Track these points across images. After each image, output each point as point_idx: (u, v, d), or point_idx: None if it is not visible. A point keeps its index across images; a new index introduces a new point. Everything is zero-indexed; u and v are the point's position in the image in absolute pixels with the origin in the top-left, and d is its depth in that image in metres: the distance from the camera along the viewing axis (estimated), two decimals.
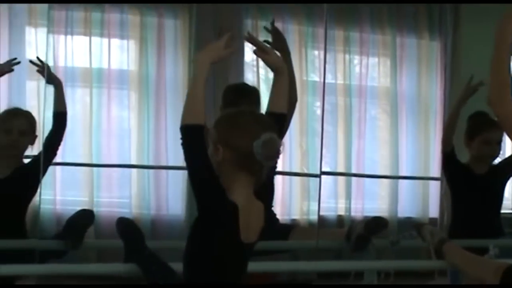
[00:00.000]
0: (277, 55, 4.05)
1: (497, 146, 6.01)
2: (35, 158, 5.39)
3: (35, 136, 5.37)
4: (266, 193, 4.00)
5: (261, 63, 7.53)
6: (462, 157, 6.17)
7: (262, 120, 3.74)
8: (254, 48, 3.99)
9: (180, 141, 3.51)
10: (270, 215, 4.30)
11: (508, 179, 6.18)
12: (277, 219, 6.16)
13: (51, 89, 5.84)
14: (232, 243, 3.58)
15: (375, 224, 5.63)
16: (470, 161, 6.05)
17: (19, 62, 5.61)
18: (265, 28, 5.90)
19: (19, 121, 5.24)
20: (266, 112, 3.96)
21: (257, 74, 7.64)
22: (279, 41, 5.83)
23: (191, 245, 3.67)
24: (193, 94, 3.57)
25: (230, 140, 3.58)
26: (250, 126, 3.61)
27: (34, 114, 5.72)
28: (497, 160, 6.32)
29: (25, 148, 5.27)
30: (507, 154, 6.50)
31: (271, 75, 7.49)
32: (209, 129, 3.61)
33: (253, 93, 5.93)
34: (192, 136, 3.49)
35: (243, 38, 4.18)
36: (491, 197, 6.12)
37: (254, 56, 7.39)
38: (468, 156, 6.08)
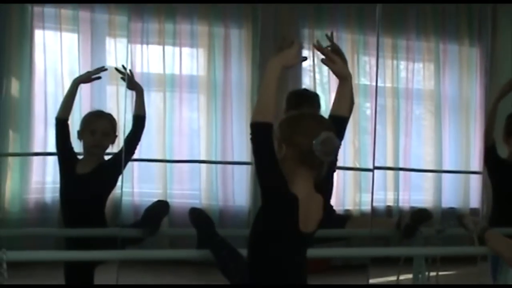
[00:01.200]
0: (342, 64, 4.00)
1: None
2: (115, 156, 5.37)
3: (116, 136, 5.35)
4: (326, 187, 3.96)
5: (316, 68, 7.59)
6: (501, 152, 6.07)
7: (321, 120, 3.74)
8: (322, 56, 3.95)
9: (250, 136, 3.52)
10: (328, 206, 4.25)
11: None
12: (334, 210, 6.13)
13: (129, 93, 5.85)
14: (292, 232, 3.58)
15: (420, 215, 5.60)
16: (509, 157, 5.96)
17: (106, 69, 5.61)
18: (326, 36, 5.81)
19: (103, 122, 5.23)
20: (329, 115, 3.91)
21: (313, 78, 7.61)
22: (337, 50, 5.78)
23: (255, 233, 3.68)
24: (265, 94, 3.56)
25: (293, 138, 3.60)
26: (310, 126, 3.63)
27: (113, 115, 5.72)
28: None
29: (107, 147, 5.26)
30: None
31: (325, 79, 7.55)
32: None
33: (314, 97, 5.87)
34: (261, 132, 3.49)
35: (312, 46, 4.18)
36: None
37: (311, 62, 7.44)
38: (507, 152, 5.97)
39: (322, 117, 3.91)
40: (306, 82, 7.68)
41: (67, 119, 5.28)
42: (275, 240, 3.61)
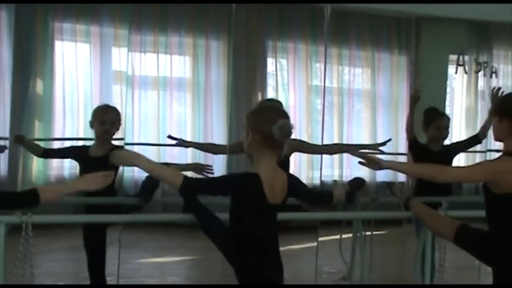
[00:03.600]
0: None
1: (446, 130, 5.98)
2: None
3: (120, 125, 5.33)
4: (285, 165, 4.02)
5: (278, 72, 7.61)
6: (422, 139, 6.10)
7: (278, 110, 3.78)
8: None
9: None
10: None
11: (455, 155, 6.15)
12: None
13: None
14: (261, 204, 3.60)
15: (356, 182, 5.61)
16: (427, 142, 6.00)
17: None
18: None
19: (110, 114, 5.19)
20: None
21: (276, 80, 7.63)
22: None
23: (233, 207, 3.68)
24: (161, 175, 3.68)
25: (257, 126, 3.62)
26: (270, 115, 3.66)
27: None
28: (448, 142, 6.28)
29: (113, 134, 5.23)
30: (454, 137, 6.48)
31: (285, 81, 7.57)
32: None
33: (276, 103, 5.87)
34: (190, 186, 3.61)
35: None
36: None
37: (274, 69, 7.46)
38: (425, 138, 6.01)
39: (279, 108, 4.00)
40: (271, 83, 7.67)
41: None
42: (251, 213, 3.63)
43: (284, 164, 5.30)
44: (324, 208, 5.65)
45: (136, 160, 3.66)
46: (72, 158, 5.31)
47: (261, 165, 3.62)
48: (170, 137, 5.87)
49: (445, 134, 6.02)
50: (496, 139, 4.26)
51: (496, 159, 4.24)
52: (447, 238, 4.42)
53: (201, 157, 7.39)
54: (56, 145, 6.99)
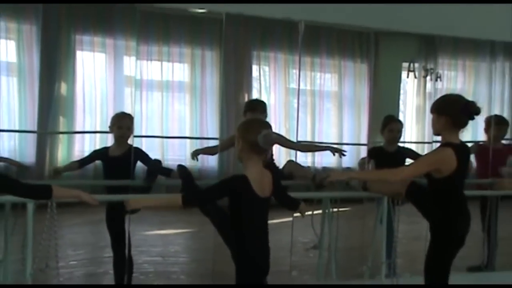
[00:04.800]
0: None
1: (398, 133, 5.92)
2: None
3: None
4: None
5: (261, 77, 7.61)
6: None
7: (263, 123, 3.89)
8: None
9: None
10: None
11: (407, 156, 6.09)
12: None
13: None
14: (253, 198, 3.65)
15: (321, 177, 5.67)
16: (384, 145, 5.97)
17: None
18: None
19: (126, 120, 5.16)
20: None
21: (259, 83, 7.63)
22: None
23: (231, 204, 3.73)
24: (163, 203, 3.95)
25: (245, 136, 3.70)
26: (255, 126, 3.73)
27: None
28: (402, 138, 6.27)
29: (129, 137, 5.20)
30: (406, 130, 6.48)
31: (268, 84, 7.55)
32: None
33: (263, 104, 5.84)
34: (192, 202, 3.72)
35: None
36: (398, 165, 6.00)
37: (258, 74, 7.45)
38: (383, 140, 5.99)
39: (263, 120, 4.16)
40: (255, 86, 7.67)
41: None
42: (246, 208, 3.68)
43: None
44: (299, 189, 5.66)
45: (137, 205, 3.81)
46: (97, 160, 5.27)
47: (249, 168, 3.68)
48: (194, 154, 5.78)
49: (397, 136, 5.96)
50: (435, 133, 4.32)
51: (436, 150, 4.31)
52: (401, 194, 4.51)
53: (198, 146, 7.41)
54: (78, 137, 7.00)
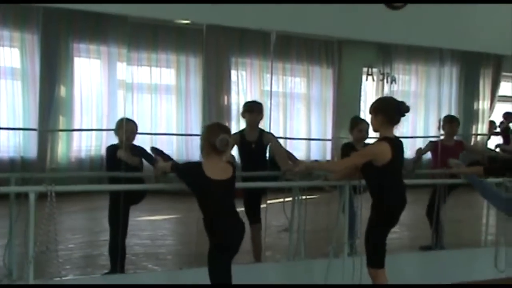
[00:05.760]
0: None
1: (366, 133, 5.91)
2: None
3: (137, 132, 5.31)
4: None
5: (240, 81, 7.59)
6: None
7: (222, 127, 4.04)
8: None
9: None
10: None
11: None
12: None
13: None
14: (206, 180, 3.84)
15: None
16: (354, 142, 5.96)
17: None
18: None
19: (130, 125, 5.17)
20: None
21: (237, 86, 7.61)
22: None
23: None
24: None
25: (207, 138, 3.90)
26: (215, 131, 3.93)
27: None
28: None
29: (133, 140, 5.17)
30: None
31: (245, 87, 7.54)
32: None
33: (260, 105, 5.84)
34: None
35: None
36: None
37: (236, 78, 7.45)
38: (352, 139, 5.98)
39: (223, 125, 4.24)
40: (234, 89, 7.64)
41: None
42: (202, 189, 3.87)
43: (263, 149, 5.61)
44: (273, 178, 5.67)
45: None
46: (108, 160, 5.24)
47: (208, 164, 3.88)
48: None
49: (365, 136, 5.97)
50: (374, 130, 4.52)
51: (373, 144, 4.52)
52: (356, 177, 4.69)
53: (183, 142, 7.42)
54: (76, 134, 6.95)
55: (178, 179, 4.10)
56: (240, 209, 5.56)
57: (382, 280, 4.41)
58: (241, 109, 5.80)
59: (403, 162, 4.60)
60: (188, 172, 3.96)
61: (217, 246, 3.88)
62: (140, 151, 5.24)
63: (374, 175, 4.41)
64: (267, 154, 5.76)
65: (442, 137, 6.50)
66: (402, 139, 4.55)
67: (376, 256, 4.43)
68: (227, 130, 4.03)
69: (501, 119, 8.13)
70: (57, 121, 6.86)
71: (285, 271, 5.38)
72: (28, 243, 3.90)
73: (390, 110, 4.37)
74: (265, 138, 5.66)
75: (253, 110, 5.70)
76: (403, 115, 4.42)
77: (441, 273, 5.99)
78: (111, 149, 5.17)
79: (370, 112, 4.45)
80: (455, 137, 6.54)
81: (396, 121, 4.41)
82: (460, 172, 5.59)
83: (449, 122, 6.57)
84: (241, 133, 5.67)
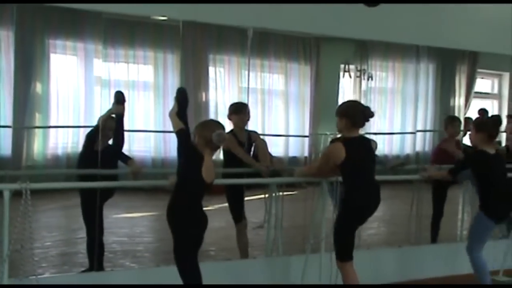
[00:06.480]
0: None
1: None
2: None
3: None
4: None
5: (218, 78, 7.57)
6: None
7: (217, 123, 4.17)
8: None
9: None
10: None
11: None
12: None
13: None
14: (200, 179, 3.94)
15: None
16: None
17: None
18: None
19: (110, 122, 5.37)
20: None
21: (215, 83, 7.59)
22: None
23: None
24: (173, 121, 4.24)
25: (202, 133, 3.99)
26: (211, 126, 4.05)
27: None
28: None
29: (111, 136, 5.38)
30: None
31: (223, 84, 7.53)
32: None
33: (246, 106, 5.89)
34: (182, 133, 4.06)
35: None
36: None
37: (214, 75, 7.45)
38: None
39: (218, 122, 4.35)
40: (212, 85, 7.62)
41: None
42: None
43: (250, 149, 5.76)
44: (250, 175, 5.69)
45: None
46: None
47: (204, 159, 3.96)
48: None
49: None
50: (338, 131, 4.66)
51: (328, 146, 4.79)
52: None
53: (161, 138, 7.38)
54: (52, 131, 6.88)
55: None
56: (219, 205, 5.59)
57: (349, 272, 4.54)
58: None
59: (373, 161, 4.69)
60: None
61: (191, 238, 3.97)
62: (114, 150, 5.25)
63: (341, 174, 4.63)
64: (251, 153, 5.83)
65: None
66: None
67: (342, 249, 4.56)
68: (222, 125, 4.13)
69: (477, 115, 8.22)
70: (33, 118, 6.77)
71: (263, 268, 5.40)
72: (2, 241, 3.87)
73: (355, 115, 4.56)
74: (252, 137, 5.78)
75: (240, 111, 5.78)
76: (367, 120, 4.61)
77: (418, 268, 6.06)
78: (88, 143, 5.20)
79: (336, 115, 4.61)
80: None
81: (361, 125, 4.64)
82: (429, 176, 5.78)
83: (451, 122, 6.82)
84: (232, 133, 5.72)
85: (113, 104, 5.53)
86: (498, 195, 5.17)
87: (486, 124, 5.38)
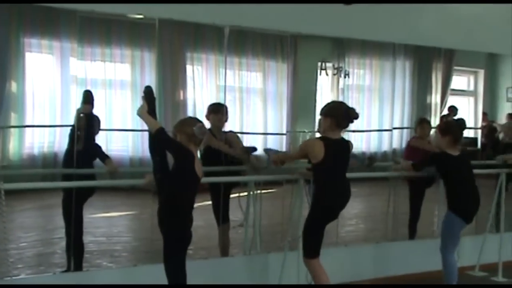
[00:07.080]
0: None
1: None
2: None
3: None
4: None
5: (196, 76, 7.54)
6: None
7: (196, 120, 4.26)
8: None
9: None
10: None
11: None
12: None
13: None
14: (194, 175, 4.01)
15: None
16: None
17: None
18: None
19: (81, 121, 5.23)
20: None
21: (193, 82, 7.55)
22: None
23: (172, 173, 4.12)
24: (149, 123, 4.23)
25: (183, 129, 4.08)
26: (191, 122, 4.15)
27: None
28: None
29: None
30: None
31: (202, 82, 7.50)
32: None
33: (224, 106, 5.92)
34: (161, 133, 4.04)
35: None
36: None
37: (192, 74, 7.42)
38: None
39: (196, 117, 4.53)
40: (189, 84, 7.59)
41: None
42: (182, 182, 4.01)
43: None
44: (229, 173, 5.70)
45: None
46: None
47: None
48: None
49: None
50: (322, 132, 4.67)
51: (308, 140, 5.01)
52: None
53: (138, 137, 7.33)
54: (28, 131, 6.81)
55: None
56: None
57: (316, 268, 4.60)
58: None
59: (347, 163, 4.72)
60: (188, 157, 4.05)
61: (182, 237, 3.99)
62: (93, 148, 5.23)
63: (314, 171, 4.65)
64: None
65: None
66: (356, 133, 4.68)
67: (310, 247, 4.61)
68: (200, 121, 4.19)
69: (447, 112, 8.32)
70: (8, 117, 6.69)
71: (241, 266, 5.41)
72: None
73: (339, 116, 4.61)
74: (228, 138, 5.81)
75: (218, 111, 5.79)
76: (352, 122, 4.65)
77: (396, 265, 6.11)
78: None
79: (321, 114, 4.63)
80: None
81: (345, 125, 4.65)
82: (402, 167, 5.87)
83: (420, 124, 6.92)
84: (211, 132, 5.73)
85: (81, 103, 5.49)
86: (465, 195, 5.29)
87: (451, 128, 5.50)
